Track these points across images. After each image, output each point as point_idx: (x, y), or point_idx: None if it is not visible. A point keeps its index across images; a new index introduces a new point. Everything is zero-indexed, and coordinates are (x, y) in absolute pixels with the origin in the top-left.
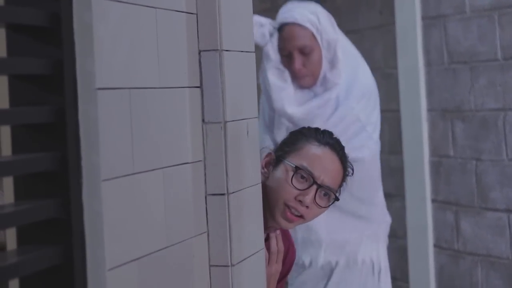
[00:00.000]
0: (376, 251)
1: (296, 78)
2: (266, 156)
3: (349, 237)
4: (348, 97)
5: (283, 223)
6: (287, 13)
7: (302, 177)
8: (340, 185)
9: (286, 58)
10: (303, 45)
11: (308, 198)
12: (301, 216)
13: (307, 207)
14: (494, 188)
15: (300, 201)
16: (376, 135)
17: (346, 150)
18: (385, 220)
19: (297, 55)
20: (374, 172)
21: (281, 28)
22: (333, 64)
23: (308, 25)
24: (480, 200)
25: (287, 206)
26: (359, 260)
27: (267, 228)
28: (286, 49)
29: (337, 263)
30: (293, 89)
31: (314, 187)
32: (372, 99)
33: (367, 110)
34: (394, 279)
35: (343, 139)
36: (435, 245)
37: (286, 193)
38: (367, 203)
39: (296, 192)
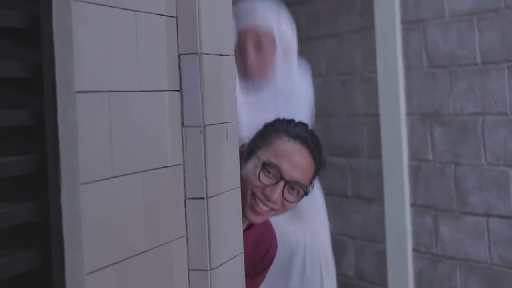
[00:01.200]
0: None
1: (248, 72)
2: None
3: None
4: (293, 102)
5: (251, 217)
6: (247, 18)
7: (269, 172)
8: (312, 179)
9: (241, 55)
10: (259, 41)
11: (275, 194)
12: (272, 209)
13: (274, 202)
14: (473, 192)
15: (267, 195)
16: None
17: None
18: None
19: (251, 49)
20: None
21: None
22: (286, 56)
23: (268, 27)
24: (459, 204)
25: (254, 197)
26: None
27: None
28: (242, 46)
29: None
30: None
31: (282, 182)
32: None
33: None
34: (373, 283)
35: None
36: (414, 249)
37: (253, 187)
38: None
39: (263, 186)
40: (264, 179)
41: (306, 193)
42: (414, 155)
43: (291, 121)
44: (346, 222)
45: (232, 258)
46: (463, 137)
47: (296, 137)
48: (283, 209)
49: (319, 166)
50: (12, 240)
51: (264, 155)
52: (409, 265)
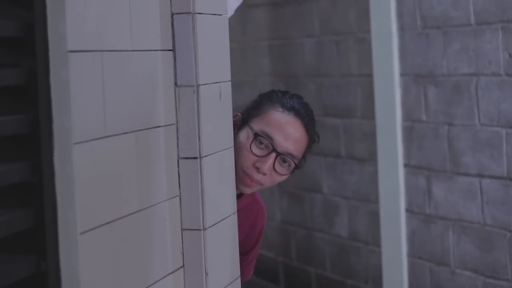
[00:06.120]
0: None
1: None
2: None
3: None
4: None
5: (241, 188)
6: None
7: (261, 143)
8: (304, 153)
9: None
10: None
11: (266, 165)
12: (261, 182)
13: (264, 174)
14: (466, 153)
15: (257, 167)
16: None
17: None
18: None
19: None
20: None
21: None
22: None
23: None
24: (452, 165)
25: (244, 168)
26: None
27: None
28: None
29: None
30: None
31: (273, 154)
32: None
33: None
34: (366, 243)
35: None
36: (407, 210)
37: (245, 159)
38: None
39: (254, 158)
40: (256, 150)
41: (297, 167)
42: (408, 116)
43: (286, 93)
44: (339, 183)
45: (225, 218)
46: (456, 97)
47: (291, 109)
48: (271, 181)
49: (312, 139)
50: (4, 200)
51: (256, 125)
52: (402, 225)
